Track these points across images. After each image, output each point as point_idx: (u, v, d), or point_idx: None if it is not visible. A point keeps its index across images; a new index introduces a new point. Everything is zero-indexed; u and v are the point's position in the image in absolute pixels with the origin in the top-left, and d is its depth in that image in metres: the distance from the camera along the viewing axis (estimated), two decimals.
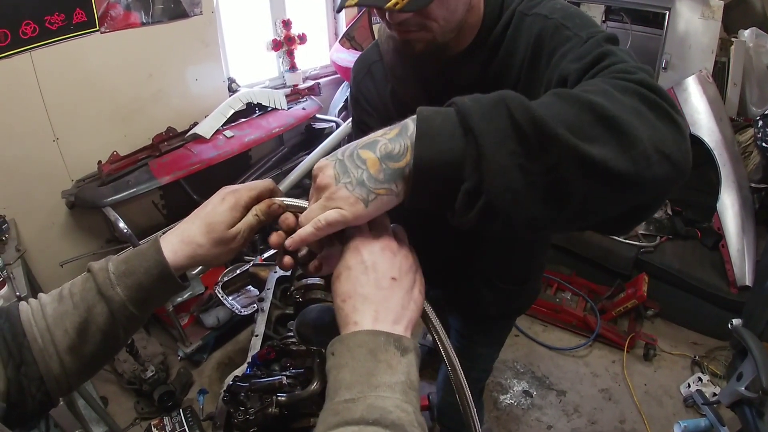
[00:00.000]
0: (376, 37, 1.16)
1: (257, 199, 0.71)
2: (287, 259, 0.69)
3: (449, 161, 0.54)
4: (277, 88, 3.37)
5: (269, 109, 3.13)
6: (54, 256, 2.50)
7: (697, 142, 2.89)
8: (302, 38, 3.47)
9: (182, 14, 2.74)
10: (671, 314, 3.06)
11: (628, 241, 3.08)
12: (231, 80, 3.18)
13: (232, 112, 2.91)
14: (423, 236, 0.78)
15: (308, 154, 3.29)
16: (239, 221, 0.69)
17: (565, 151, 0.52)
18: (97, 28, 2.41)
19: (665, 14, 3.08)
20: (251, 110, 3.07)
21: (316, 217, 0.60)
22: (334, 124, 3.44)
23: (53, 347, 0.63)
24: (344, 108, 3.62)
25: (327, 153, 0.68)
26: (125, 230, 2.33)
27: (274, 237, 0.69)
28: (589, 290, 3.17)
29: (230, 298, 2.60)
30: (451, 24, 0.87)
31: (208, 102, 2.98)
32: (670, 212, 3.20)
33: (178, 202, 2.84)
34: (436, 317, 0.64)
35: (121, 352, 2.47)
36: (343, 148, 0.61)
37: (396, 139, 0.58)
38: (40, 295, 0.68)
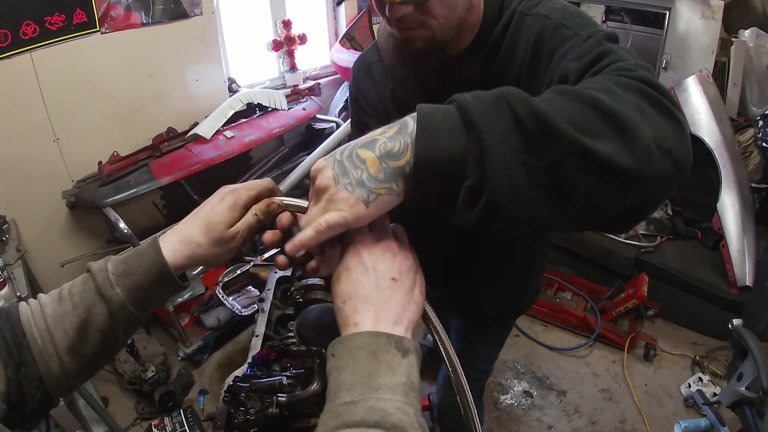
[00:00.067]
0: (376, 38, 1.16)
1: (256, 199, 0.71)
2: (281, 258, 0.68)
3: (451, 158, 0.54)
4: (277, 89, 3.37)
5: (269, 109, 3.13)
6: (54, 257, 2.51)
7: (698, 142, 2.89)
8: (302, 38, 3.47)
9: (182, 15, 2.74)
10: (671, 314, 3.05)
11: (628, 241, 3.08)
12: (231, 80, 3.18)
13: (232, 112, 2.91)
14: (423, 236, 0.78)
15: (308, 154, 3.30)
16: (238, 221, 0.69)
17: (568, 147, 0.51)
18: (98, 28, 2.41)
19: (665, 14, 3.08)
20: (251, 110, 3.07)
21: (316, 220, 0.59)
22: (334, 124, 3.44)
23: (53, 348, 0.63)
24: (344, 108, 3.62)
25: (327, 153, 0.66)
26: (126, 230, 2.33)
27: (268, 235, 0.69)
28: (590, 290, 3.16)
29: (230, 298, 2.60)
30: (451, 22, 0.87)
31: (209, 102, 2.98)
32: (670, 212, 3.20)
33: (179, 202, 2.84)
34: (436, 318, 0.64)
35: (122, 352, 2.47)
36: (341, 148, 0.60)
37: (395, 137, 0.57)
38: (40, 295, 0.68)
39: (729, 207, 2.82)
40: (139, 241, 2.32)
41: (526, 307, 1.57)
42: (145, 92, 2.74)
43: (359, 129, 1.23)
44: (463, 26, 0.92)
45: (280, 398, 1.15)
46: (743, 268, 2.72)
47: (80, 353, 0.65)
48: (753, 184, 2.96)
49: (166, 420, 2.28)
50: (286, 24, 3.37)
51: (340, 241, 0.63)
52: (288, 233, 0.69)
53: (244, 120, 2.99)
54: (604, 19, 3.54)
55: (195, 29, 2.84)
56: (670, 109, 0.58)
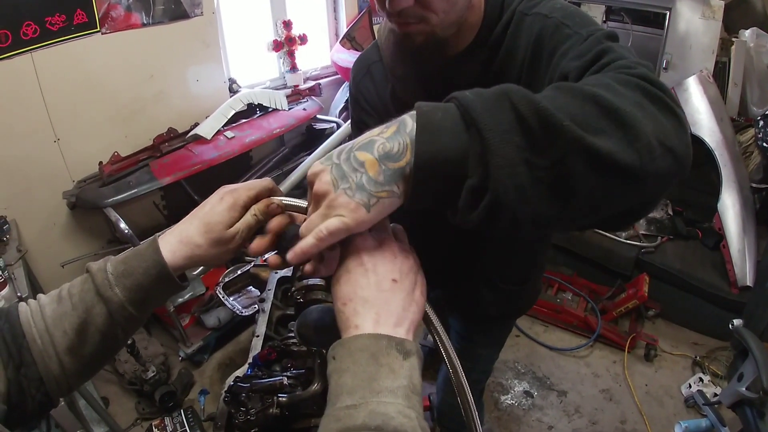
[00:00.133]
0: (377, 38, 1.16)
1: (256, 199, 0.70)
2: (273, 258, 0.67)
3: (452, 157, 0.52)
4: (277, 89, 3.37)
5: (270, 109, 3.13)
6: (55, 257, 2.51)
7: (698, 143, 2.89)
8: (303, 39, 3.47)
9: (183, 15, 2.74)
10: (672, 314, 3.05)
11: (628, 242, 3.08)
12: (232, 81, 3.18)
13: (232, 112, 2.91)
14: (422, 236, 0.78)
15: (309, 154, 3.30)
16: (238, 221, 0.69)
17: (571, 144, 0.50)
18: (98, 29, 2.41)
19: (666, 14, 3.08)
20: (252, 111, 3.07)
21: (316, 227, 0.57)
22: (334, 124, 3.45)
23: (52, 348, 0.63)
24: (345, 108, 3.62)
25: (328, 153, 0.65)
26: (126, 231, 2.34)
27: (256, 243, 0.68)
28: (590, 290, 3.16)
29: (231, 298, 2.60)
30: (451, 17, 0.87)
31: (209, 103, 2.98)
32: (671, 212, 3.20)
33: (179, 202, 2.84)
34: (437, 318, 0.63)
35: (123, 352, 2.47)
36: (338, 149, 0.58)
37: (394, 137, 0.55)
38: (39, 296, 0.68)
39: (729, 207, 2.82)
40: (139, 241, 2.32)
41: (527, 307, 1.57)
42: (145, 92, 2.75)
43: (359, 129, 1.23)
44: (463, 25, 0.93)
45: (280, 398, 1.15)
46: (744, 269, 2.72)
47: (80, 354, 0.65)
48: (753, 184, 2.96)
49: (167, 420, 2.28)
50: (287, 24, 3.37)
51: (340, 243, 0.62)
52: (281, 237, 0.68)
53: (244, 120, 2.99)
54: (604, 19, 3.54)
55: (195, 29, 2.84)
56: (670, 106, 0.57)
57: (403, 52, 1.03)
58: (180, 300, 2.59)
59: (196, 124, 2.86)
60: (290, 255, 0.61)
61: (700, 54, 3.06)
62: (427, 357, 2.40)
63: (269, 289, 1.83)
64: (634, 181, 0.53)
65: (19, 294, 1.83)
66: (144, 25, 2.59)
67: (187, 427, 2.24)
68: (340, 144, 0.59)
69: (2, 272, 1.85)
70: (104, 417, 2.16)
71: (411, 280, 0.61)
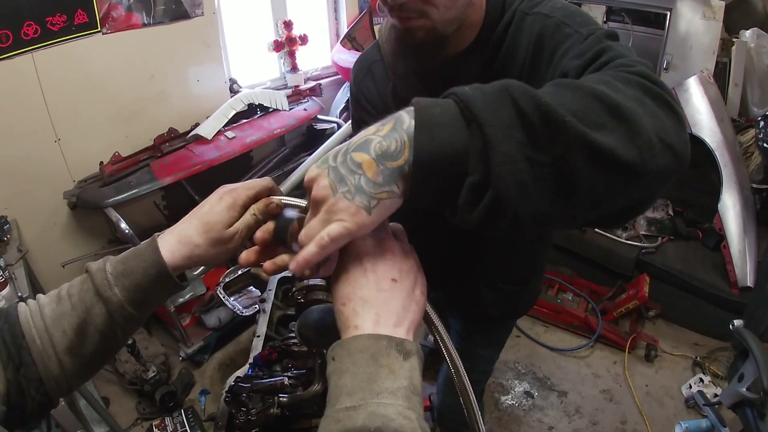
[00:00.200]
0: (377, 38, 1.16)
1: (255, 198, 0.70)
2: (269, 264, 0.65)
3: (452, 154, 0.51)
4: (278, 89, 3.37)
5: (270, 110, 3.14)
6: (56, 257, 2.51)
7: (699, 143, 2.89)
8: (303, 39, 3.47)
9: (184, 15, 2.74)
10: (672, 315, 3.05)
11: (629, 242, 3.08)
12: (232, 81, 3.18)
13: (233, 112, 2.91)
14: (422, 236, 0.77)
15: (310, 154, 3.30)
16: (237, 221, 0.68)
17: (573, 140, 0.49)
18: (99, 29, 2.42)
19: (666, 15, 3.08)
20: (253, 111, 3.07)
21: (317, 234, 0.55)
22: (335, 124, 3.45)
23: (52, 348, 0.63)
24: (345, 109, 3.62)
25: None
26: (127, 231, 2.34)
27: (245, 255, 0.68)
28: (591, 291, 3.16)
29: (232, 298, 2.61)
30: (452, 13, 0.87)
31: (210, 103, 2.98)
32: (671, 213, 3.20)
33: (180, 202, 2.85)
34: (437, 318, 0.63)
35: (123, 352, 2.47)
36: (334, 151, 0.57)
37: (390, 135, 0.53)
38: (39, 296, 0.67)
39: (730, 208, 2.82)
40: (140, 241, 2.32)
41: (527, 307, 1.57)
42: (146, 93, 2.75)
43: (360, 128, 1.22)
44: (465, 24, 0.93)
45: (281, 399, 1.15)
46: (744, 269, 2.72)
47: (79, 354, 0.64)
48: (754, 185, 2.95)
49: (167, 420, 2.28)
50: (287, 24, 3.37)
51: None
52: (275, 226, 0.67)
53: (245, 120, 2.99)
54: (605, 19, 3.54)
55: (196, 30, 2.84)
56: (670, 103, 0.57)
57: (404, 50, 1.03)
58: (180, 300, 2.59)
59: (197, 125, 2.86)
60: (292, 266, 0.59)
61: (700, 54, 3.06)
62: (427, 357, 2.40)
63: (270, 290, 1.84)
64: (634, 178, 0.52)
65: (19, 294, 1.83)
66: (145, 25, 2.59)
67: (187, 427, 2.24)
68: (341, 144, 0.58)
69: (3, 272, 1.85)
70: (105, 417, 2.16)
71: (411, 279, 0.60)
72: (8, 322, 0.63)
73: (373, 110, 1.16)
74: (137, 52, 2.62)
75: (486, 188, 0.50)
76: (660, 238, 3.09)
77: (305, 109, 3.28)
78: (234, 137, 2.82)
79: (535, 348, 2.96)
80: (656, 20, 3.25)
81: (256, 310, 2.40)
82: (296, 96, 3.37)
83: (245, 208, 0.69)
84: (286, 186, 3.01)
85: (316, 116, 3.38)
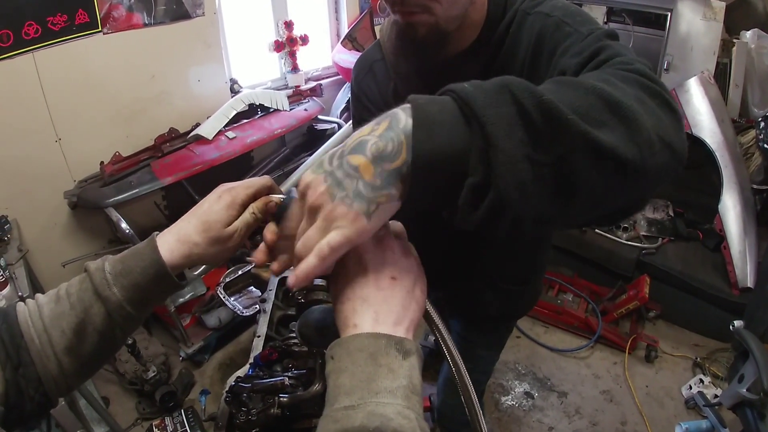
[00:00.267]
0: (378, 38, 1.16)
1: (254, 197, 0.69)
2: (277, 265, 0.64)
3: (451, 154, 0.49)
4: (279, 89, 3.37)
5: (271, 110, 3.14)
6: (56, 257, 2.51)
7: (699, 144, 2.89)
8: (304, 39, 3.47)
9: (184, 15, 2.75)
10: (673, 316, 3.05)
11: (629, 243, 3.08)
12: (233, 81, 3.18)
13: (234, 113, 2.91)
14: (422, 236, 0.76)
15: (310, 155, 3.30)
16: (236, 219, 0.68)
17: (575, 139, 0.48)
18: (100, 29, 2.42)
19: (667, 15, 3.08)
20: (253, 111, 3.07)
21: (316, 243, 0.53)
22: (336, 125, 3.45)
23: (51, 348, 0.62)
24: (346, 109, 3.63)
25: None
26: (127, 231, 2.34)
27: (260, 254, 0.65)
28: (591, 292, 3.16)
29: (232, 298, 2.60)
30: (455, 10, 0.87)
31: (211, 103, 2.98)
32: (671, 214, 3.20)
33: (180, 202, 2.85)
34: (438, 316, 0.62)
35: (123, 352, 2.47)
36: (329, 154, 0.54)
37: (386, 134, 0.51)
38: (38, 295, 0.67)
39: (730, 208, 2.82)
40: (140, 241, 2.33)
41: (527, 308, 1.57)
42: (147, 93, 2.75)
43: (360, 127, 1.23)
44: (466, 23, 0.93)
45: (282, 399, 1.15)
46: (744, 270, 2.72)
47: (78, 353, 0.64)
48: (754, 186, 2.95)
49: (167, 420, 2.28)
50: (288, 25, 3.37)
51: None
52: (277, 211, 0.65)
53: (245, 121, 2.99)
54: (605, 20, 3.54)
55: (197, 30, 2.84)
56: (668, 101, 0.57)
57: (405, 48, 1.03)
58: (181, 300, 2.59)
59: (198, 125, 2.86)
60: (292, 280, 0.56)
61: (701, 55, 3.06)
62: (427, 357, 2.41)
63: (270, 290, 1.83)
64: (633, 177, 0.52)
65: (20, 293, 1.83)
66: (145, 25, 2.59)
67: (187, 427, 2.24)
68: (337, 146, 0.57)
69: (3, 272, 1.85)
70: (105, 417, 2.16)
71: (410, 278, 0.59)
72: (7, 322, 0.63)
73: (374, 109, 1.16)
74: (138, 52, 2.62)
75: (486, 189, 0.49)
76: (660, 238, 3.08)
77: (306, 110, 3.28)
78: (235, 137, 2.83)
79: (535, 348, 2.96)
80: (657, 21, 3.24)
81: (256, 310, 2.39)
82: (297, 96, 3.37)
83: (244, 206, 0.69)
84: (286, 186, 3.01)
85: (316, 116, 3.38)
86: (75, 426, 1.70)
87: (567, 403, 2.62)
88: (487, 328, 1.57)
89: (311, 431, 1.16)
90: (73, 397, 1.97)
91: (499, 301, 1.40)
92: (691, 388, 2.58)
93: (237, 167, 2.99)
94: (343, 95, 3.69)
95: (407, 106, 0.52)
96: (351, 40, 3.66)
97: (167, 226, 0.70)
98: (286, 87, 3.49)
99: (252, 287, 2.67)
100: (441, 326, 0.62)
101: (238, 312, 2.53)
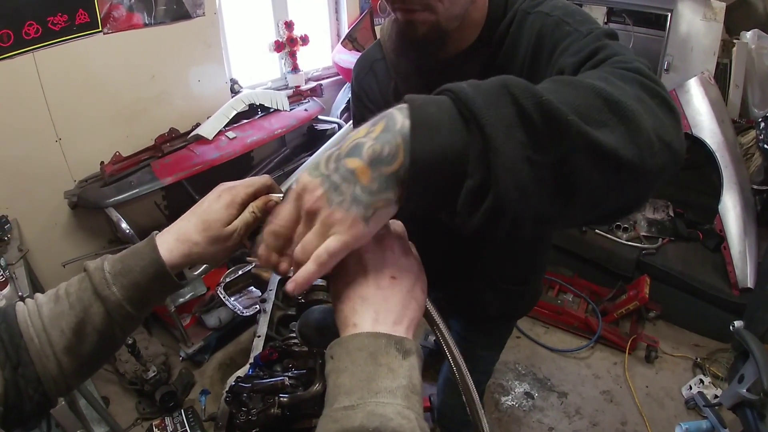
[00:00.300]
0: (379, 37, 1.16)
1: (254, 196, 0.69)
2: (284, 265, 0.62)
3: (450, 156, 0.48)
4: (279, 90, 3.37)
5: (271, 110, 3.14)
6: (56, 257, 2.51)
7: (699, 144, 2.89)
8: (304, 39, 3.48)
9: (185, 15, 2.75)
10: (673, 316, 3.05)
11: (629, 243, 3.07)
12: (233, 81, 3.18)
13: (234, 113, 2.91)
14: (422, 236, 0.75)
15: (310, 155, 3.31)
16: (236, 218, 0.67)
17: (575, 140, 0.47)
18: (100, 29, 2.42)
19: (667, 16, 3.08)
20: (253, 111, 3.07)
21: (314, 248, 0.52)
22: (336, 125, 3.45)
23: (50, 348, 0.62)
24: (346, 109, 3.63)
25: None
26: (127, 231, 2.34)
27: (265, 252, 0.63)
28: (591, 292, 3.16)
29: (232, 298, 2.60)
30: (456, 8, 0.87)
31: (211, 103, 2.99)
32: (671, 214, 3.20)
33: (181, 202, 2.85)
34: (438, 315, 0.62)
35: (123, 352, 2.47)
36: (325, 157, 0.53)
37: (383, 136, 0.49)
38: (37, 295, 0.67)
39: (730, 209, 2.82)
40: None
41: (528, 308, 1.57)
42: (147, 93, 2.75)
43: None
44: (467, 22, 0.93)
45: (282, 399, 1.15)
46: (744, 270, 2.72)
47: (77, 353, 0.64)
48: (754, 186, 2.95)
49: (167, 420, 2.28)
50: (288, 25, 3.38)
51: None
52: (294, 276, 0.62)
53: (246, 121, 2.99)
54: (605, 20, 3.54)
55: (197, 30, 2.84)
56: (667, 100, 0.57)
57: (406, 46, 1.03)
58: (181, 300, 2.59)
59: (198, 125, 2.86)
60: (290, 286, 0.55)
61: (701, 56, 3.06)
62: (427, 357, 2.41)
63: (270, 290, 1.83)
64: (633, 177, 0.51)
65: (20, 293, 1.83)
66: (146, 25, 2.59)
67: (187, 427, 2.24)
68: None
69: (3, 271, 1.85)
70: (105, 417, 2.16)
71: (411, 277, 0.58)
72: (6, 322, 0.63)
73: (374, 108, 1.16)
74: (138, 52, 2.62)
75: (485, 191, 0.48)
76: (660, 239, 3.08)
77: (306, 110, 3.28)
78: (235, 137, 2.83)
79: (535, 349, 2.96)
80: (657, 21, 3.24)
81: (256, 310, 2.39)
82: (297, 96, 3.38)
83: (244, 206, 0.68)
84: (286, 185, 3.01)
85: (316, 117, 3.38)
86: (75, 426, 1.70)
87: (567, 404, 2.62)
88: (487, 328, 1.57)
89: (311, 431, 1.16)
90: (73, 397, 1.97)
91: (499, 301, 1.40)
92: (691, 388, 2.58)
93: (237, 167, 2.99)
94: (344, 95, 3.69)
95: (404, 106, 0.51)
96: (351, 41, 3.66)
97: (167, 226, 0.70)
98: (287, 87, 3.49)
99: (252, 287, 2.67)
100: (442, 325, 0.62)
101: (238, 312, 2.53)
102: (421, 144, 0.48)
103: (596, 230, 3.16)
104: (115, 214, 2.37)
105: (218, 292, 2.59)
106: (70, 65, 2.37)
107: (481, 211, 0.49)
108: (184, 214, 0.70)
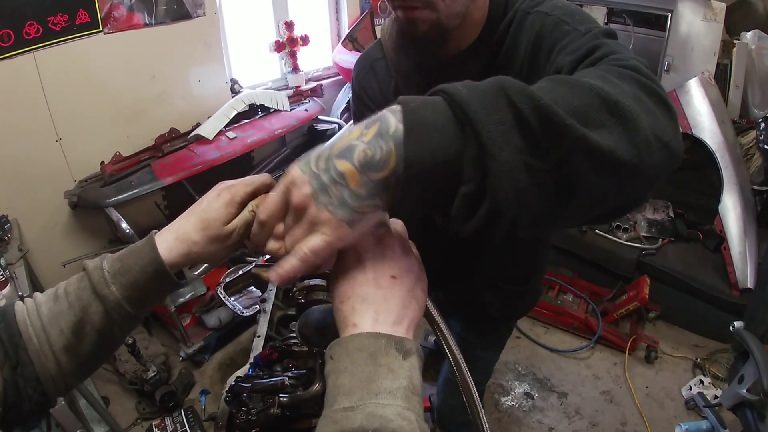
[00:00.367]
0: (380, 36, 1.16)
1: (253, 195, 0.68)
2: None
3: (445, 161, 0.47)
4: (279, 90, 3.38)
5: (272, 110, 3.14)
6: (56, 256, 2.51)
7: (699, 145, 2.89)
8: (305, 40, 3.48)
9: (185, 15, 2.75)
10: (673, 316, 3.05)
11: (630, 244, 3.07)
12: (234, 81, 3.18)
13: (234, 113, 2.91)
14: (421, 236, 0.75)
15: None
16: (235, 217, 0.67)
17: (573, 144, 0.46)
18: (101, 29, 2.42)
19: (667, 16, 3.08)
20: (254, 111, 3.07)
21: (299, 242, 0.53)
22: (336, 125, 3.46)
23: (49, 347, 0.62)
24: (347, 109, 3.63)
25: None
26: (127, 231, 2.34)
27: (273, 246, 0.62)
28: (591, 292, 3.16)
29: (232, 298, 2.60)
30: (457, 6, 0.87)
31: (211, 103, 2.99)
32: (672, 214, 3.20)
33: (181, 202, 2.85)
34: (439, 315, 0.62)
35: (123, 352, 2.47)
36: (316, 153, 0.52)
37: (375, 141, 0.48)
38: (36, 294, 0.67)
39: (730, 209, 2.82)
40: None
41: (528, 308, 1.57)
42: (147, 93, 2.75)
43: None
44: (467, 22, 0.93)
45: (282, 398, 1.15)
46: (744, 271, 2.72)
47: (77, 353, 0.64)
48: (755, 187, 2.95)
49: (167, 420, 2.28)
50: (289, 25, 3.38)
51: None
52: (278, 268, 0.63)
53: (246, 121, 2.99)
54: (606, 21, 3.54)
55: (198, 30, 2.84)
56: (665, 99, 0.57)
57: (406, 45, 1.03)
58: (181, 300, 2.59)
59: (198, 125, 2.86)
60: (273, 277, 0.56)
61: (701, 56, 3.06)
62: (427, 357, 2.41)
63: (270, 290, 1.83)
64: (632, 177, 0.51)
65: (20, 293, 1.83)
66: (146, 25, 2.60)
67: (187, 427, 2.24)
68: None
69: (4, 271, 1.85)
70: (104, 416, 2.16)
71: (411, 277, 0.58)
72: (5, 321, 0.62)
73: (375, 107, 1.15)
74: (139, 52, 2.62)
75: (481, 198, 0.47)
76: (660, 239, 3.08)
77: (306, 110, 3.28)
78: (235, 137, 2.83)
79: (535, 349, 2.96)
80: (657, 22, 3.24)
81: (256, 310, 2.39)
82: (297, 96, 3.38)
83: (243, 204, 0.67)
84: None
85: (317, 117, 3.39)
86: (75, 426, 1.70)
87: (567, 404, 2.62)
88: (487, 328, 1.57)
89: (311, 431, 1.16)
90: (73, 397, 1.97)
91: (499, 302, 1.40)
92: (691, 388, 2.58)
93: (237, 167, 2.99)
94: (344, 96, 3.69)
95: (397, 108, 0.50)
96: (351, 41, 3.66)
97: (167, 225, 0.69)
98: (287, 87, 3.49)
99: (252, 287, 2.66)
100: (442, 325, 0.62)
101: (238, 312, 2.53)
102: (417, 147, 0.47)
103: (596, 231, 3.16)
104: (115, 214, 2.37)
105: (218, 292, 2.59)
106: (70, 65, 2.37)
107: (477, 217, 0.48)
108: (183, 213, 0.69)
